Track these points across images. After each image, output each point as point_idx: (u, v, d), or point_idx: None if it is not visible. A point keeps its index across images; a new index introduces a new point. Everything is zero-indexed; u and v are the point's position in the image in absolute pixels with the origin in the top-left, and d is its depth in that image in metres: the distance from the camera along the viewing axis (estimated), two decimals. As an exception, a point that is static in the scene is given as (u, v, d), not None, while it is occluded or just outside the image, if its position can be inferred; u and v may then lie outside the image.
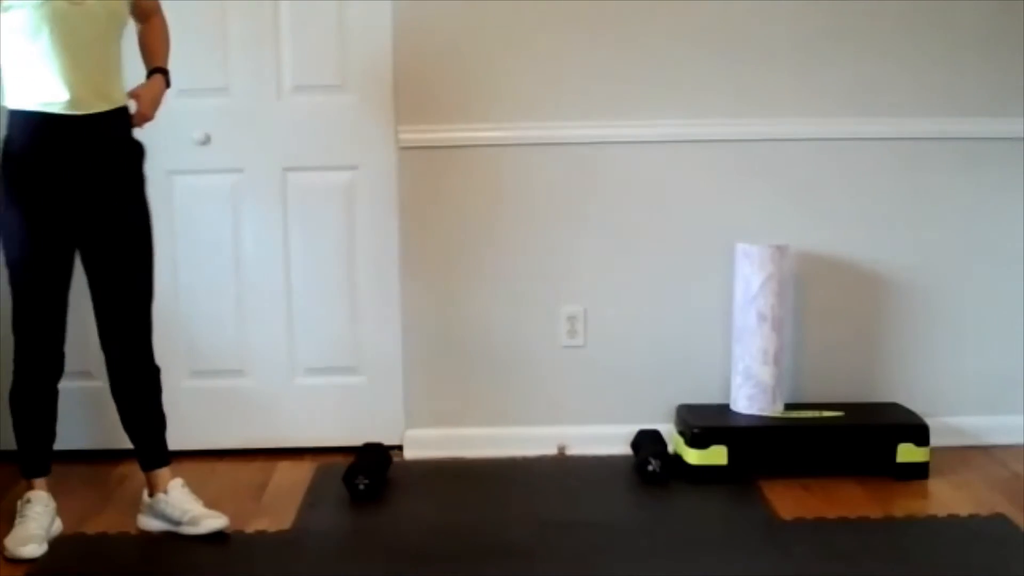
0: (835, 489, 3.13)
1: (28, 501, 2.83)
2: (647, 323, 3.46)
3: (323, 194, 3.45)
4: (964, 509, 2.99)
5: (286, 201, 3.45)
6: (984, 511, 2.97)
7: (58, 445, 3.49)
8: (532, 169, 3.40)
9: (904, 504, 3.03)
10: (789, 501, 3.04)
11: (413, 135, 3.36)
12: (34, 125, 2.62)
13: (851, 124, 3.38)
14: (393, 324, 3.48)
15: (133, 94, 2.79)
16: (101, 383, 3.50)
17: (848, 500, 3.04)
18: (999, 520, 2.91)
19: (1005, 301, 3.48)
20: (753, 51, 3.35)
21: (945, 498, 3.08)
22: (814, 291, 3.46)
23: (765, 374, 3.30)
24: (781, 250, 3.28)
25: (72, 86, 2.61)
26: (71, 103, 2.62)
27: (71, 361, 3.48)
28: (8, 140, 2.65)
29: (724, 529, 2.89)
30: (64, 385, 3.48)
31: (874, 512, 2.96)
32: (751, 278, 3.28)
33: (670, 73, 3.36)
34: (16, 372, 2.81)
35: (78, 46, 2.61)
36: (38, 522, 2.78)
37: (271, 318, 3.50)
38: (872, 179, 3.41)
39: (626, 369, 3.48)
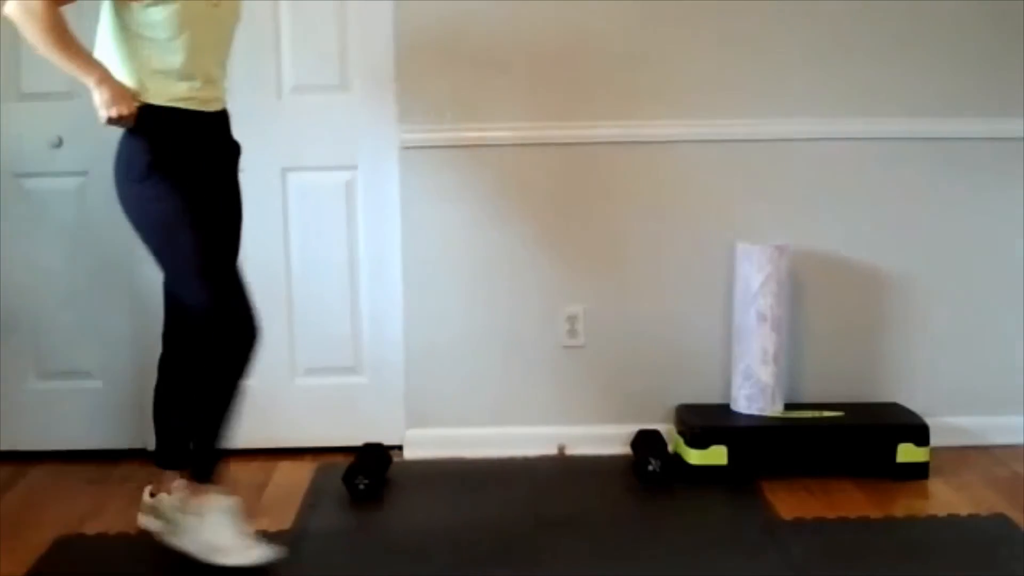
0: (835, 489, 3.13)
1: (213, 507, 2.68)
2: (647, 323, 3.46)
3: (323, 194, 3.45)
4: (964, 509, 2.99)
5: (286, 201, 3.45)
6: (984, 511, 2.97)
7: (58, 445, 3.52)
8: (532, 169, 3.40)
9: (904, 504, 3.03)
10: (789, 501, 3.04)
11: (414, 135, 3.36)
12: (172, 121, 2.59)
13: (851, 124, 3.38)
14: (393, 324, 3.48)
15: None
16: (101, 383, 3.52)
17: (848, 500, 3.04)
18: (999, 520, 2.91)
19: (1005, 301, 3.48)
20: (753, 52, 3.35)
21: (945, 498, 3.08)
22: (814, 291, 3.46)
23: (765, 374, 3.30)
24: (781, 250, 3.28)
25: (207, 84, 2.63)
26: (205, 100, 2.64)
27: (71, 361, 3.51)
28: (142, 135, 2.57)
29: (724, 529, 2.89)
30: (64, 385, 3.52)
31: (874, 512, 2.96)
32: (751, 278, 3.28)
33: (669, 73, 3.36)
34: (209, 354, 2.64)
35: (213, 45, 2.65)
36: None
37: (271, 318, 3.46)
38: (872, 179, 3.42)
39: (626, 369, 3.48)
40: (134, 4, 2.52)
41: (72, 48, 2.49)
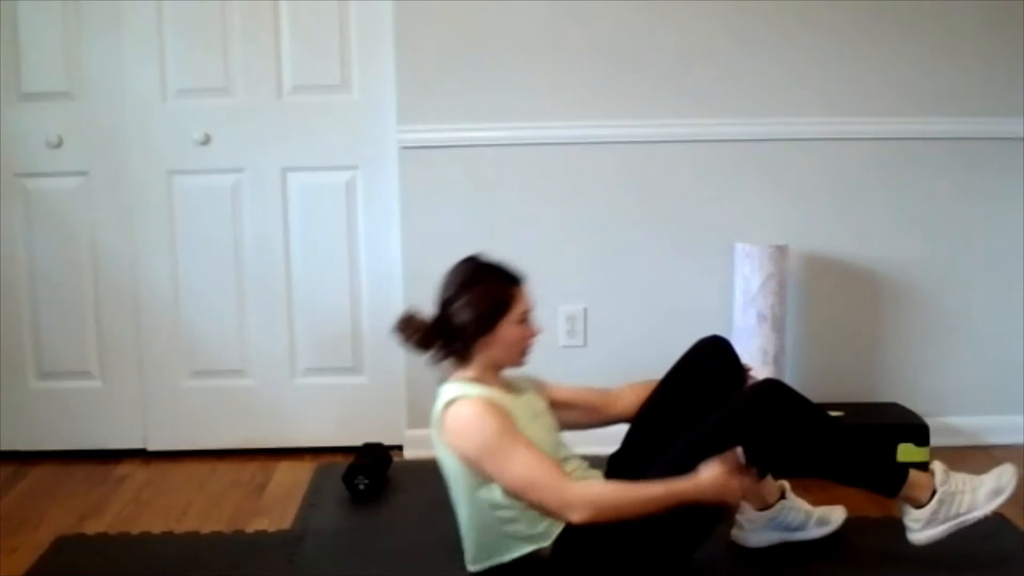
0: (835, 489, 3.12)
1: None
2: (647, 323, 3.46)
3: (323, 194, 3.45)
4: (964, 509, 2.98)
5: (286, 201, 3.45)
6: (984, 511, 2.97)
7: (58, 445, 3.52)
8: (532, 169, 3.40)
9: (904, 504, 3.03)
10: (789, 501, 3.03)
11: (413, 135, 3.36)
12: None
13: (852, 124, 3.38)
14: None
15: None
16: (101, 383, 3.52)
17: (848, 500, 3.04)
18: (999, 520, 2.90)
19: (1005, 301, 3.48)
20: (753, 51, 3.35)
21: (945, 498, 3.07)
22: (814, 291, 3.46)
23: (765, 374, 3.29)
24: (781, 250, 3.28)
25: None
26: None
27: (71, 361, 3.51)
28: None
29: (724, 529, 2.88)
30: (64, 385, 3.52)
31: (874, 512, 2.96)
32: (751, 278, 3.28)
33: (670, 73, 3.36)
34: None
35: None
36: None
37: (271, 318, 3.50)
38: (872, 179, 3.42)
39: (626, 369, 3.47)
40: None
41: (650, 490, 2.46)
